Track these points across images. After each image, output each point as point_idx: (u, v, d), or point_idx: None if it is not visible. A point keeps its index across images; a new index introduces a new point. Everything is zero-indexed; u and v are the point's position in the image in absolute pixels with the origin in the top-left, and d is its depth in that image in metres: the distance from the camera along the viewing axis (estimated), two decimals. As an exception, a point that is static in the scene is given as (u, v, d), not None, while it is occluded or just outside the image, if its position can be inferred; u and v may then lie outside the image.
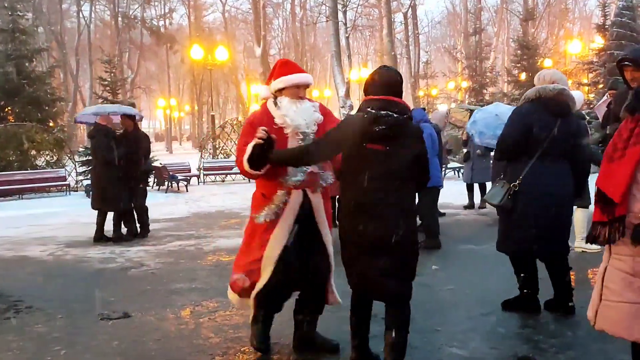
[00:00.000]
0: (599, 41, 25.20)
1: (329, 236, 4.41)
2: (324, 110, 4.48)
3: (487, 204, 5.31)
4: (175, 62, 58.10)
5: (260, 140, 3.98)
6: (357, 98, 34.03)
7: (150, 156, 21.75)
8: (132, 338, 4.99)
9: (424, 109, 10.74)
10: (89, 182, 16.14)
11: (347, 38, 29.48)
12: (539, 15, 42.80)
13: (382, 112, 3.73)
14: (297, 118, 4.24)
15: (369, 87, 3.90)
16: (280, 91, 4.35)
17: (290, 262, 4.25)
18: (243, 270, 4.41)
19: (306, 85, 4.42)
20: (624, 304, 3.15)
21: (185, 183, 20.36)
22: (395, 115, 3.73)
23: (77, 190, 19.05)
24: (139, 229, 10.28)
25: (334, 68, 26.37)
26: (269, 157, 4.04)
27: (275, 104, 4.33)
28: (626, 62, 3.34)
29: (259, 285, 4.29)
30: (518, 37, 32.54)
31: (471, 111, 12.20)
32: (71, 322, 5.51)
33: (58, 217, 13.43)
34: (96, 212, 10.06)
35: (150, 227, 10.56)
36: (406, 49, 41.68)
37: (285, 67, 4.41)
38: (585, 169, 5.21)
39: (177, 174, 20.47)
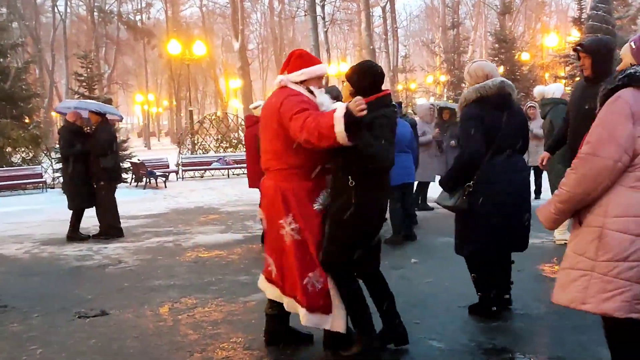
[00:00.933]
0: (575, 34, 25.40)
1: None
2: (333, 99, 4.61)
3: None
4: (152, 57, 57.65)
5: (362, 112, 3.78)
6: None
7: (128, 152, 21.47)
8: (109, 336, 4.94)
9: (401, 103, 10.71)
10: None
11: (326, 32, 29.47)
12: (516, 8, 43.02)
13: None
14: (330, 106, 4.17)
15: (377, 83, 4.08)
16: (301, 82, 4.29)
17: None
18: (310, 272, 4.12)
19: (323, 76, 4.49)
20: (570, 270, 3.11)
21: (164, 179, 20.25)
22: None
23: (53, 188, 18.84)
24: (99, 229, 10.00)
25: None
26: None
27: (310, 91, 4.27)
28: (578, 47, 3.41)
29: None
30: (495, 30, 32.69)
31: (449, 109, 12.16)
32: (47, 321, 5.45)
33: (34, 215, 13.28)
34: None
35: (129, 224, 10.48)
36: (385, 43, 41.71)
37: (303, 59, 4.36)
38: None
39: (155, 170, 20.35)
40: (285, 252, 4.18)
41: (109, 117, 10.28)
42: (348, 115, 3.76)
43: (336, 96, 5.84)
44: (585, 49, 5.39)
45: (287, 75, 4.28)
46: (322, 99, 4.22)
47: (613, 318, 2.96)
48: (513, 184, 4.76)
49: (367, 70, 4.12)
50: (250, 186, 8.82)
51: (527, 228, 4.89)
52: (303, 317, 4.12)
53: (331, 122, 3.78)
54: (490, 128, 4.69)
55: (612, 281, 2.92)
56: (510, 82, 4.89)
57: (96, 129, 9.85)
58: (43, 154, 20.19)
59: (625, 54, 3.19)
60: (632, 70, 3.02)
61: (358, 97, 3.84)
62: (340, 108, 3.82)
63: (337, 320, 4.12)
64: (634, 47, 3.13)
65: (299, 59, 4.33)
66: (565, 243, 7.69)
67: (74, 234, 9.80)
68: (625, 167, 2.95)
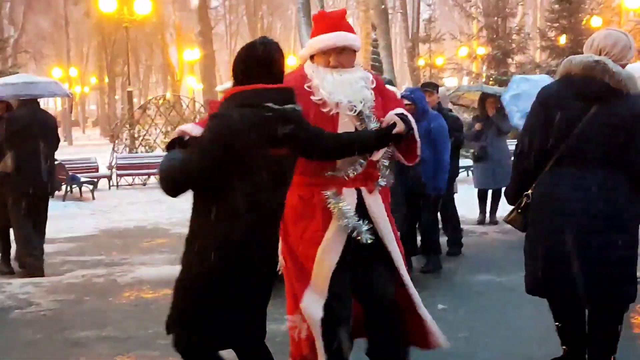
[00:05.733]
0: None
1: (399, 252, 4.53)
2: (380, 88, 4.55)
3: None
4: (76, 17, 57.51)
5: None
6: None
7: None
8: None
9: (391, 81, 10.87)
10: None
11: (320, -15, 29.50)
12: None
13: (288, 106, 3.87)
14: (336, 93, 4.27)
15: (253, 70, 3.97)
16: (311, 59, 4.43)
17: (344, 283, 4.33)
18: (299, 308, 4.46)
19: (344, 49, 4.44)
20: None
21: (91, 187, 20.18)
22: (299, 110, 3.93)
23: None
24: None
25: (301, 27, 26.33)
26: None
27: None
28: None
29: (316, 312, 4.32)
30: (555, -14, 32.85)
31: (494, 97, 12.27)
32: None
33: None
34: None
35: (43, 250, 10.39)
36: (401, 2, 41.88)
37: (316, 24, 4.48)
38: None
39: (79, 175, 20.27)
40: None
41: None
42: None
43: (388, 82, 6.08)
44: None
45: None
46: (321, 82, 4.25)
47: None
48: (582, 205, 4.67)
49: (241, 52, 4.11)
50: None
51: (590, 266, 4.70)
52: None
53: None
54: (558, 120, 4.69)
55: None
56: (615, 67, 4.72)
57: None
58: None
59: None
60: None
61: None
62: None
63: None
64: None
65: (315, 24, 4.51)
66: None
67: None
68: None
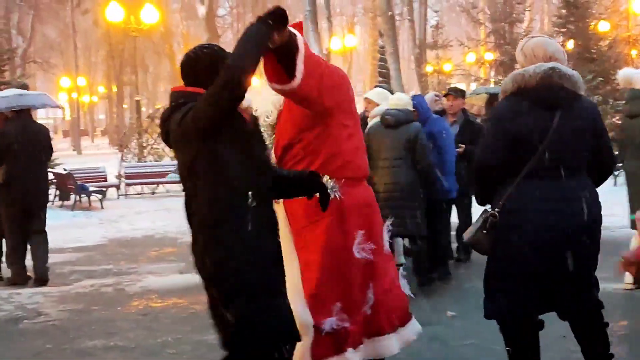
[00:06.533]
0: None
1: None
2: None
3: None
4: (84, 27, 57.71)
5: None
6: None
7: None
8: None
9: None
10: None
11: (327, -8, 29.55)
12: (591, -40, 43.28)
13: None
14: (254, 99, 4.34)
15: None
16: None
17: None
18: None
19: None
20: None
21: (100, 196, 20.21)
22: None
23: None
24: None
25: (308, 34, 26.41)
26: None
27: None
28: None
29: None
30: (562, -9, 32.82)
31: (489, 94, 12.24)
32: None
33: None
34: None
35: (51, 260, 10.41)
36: (408, 8, 41.86)
37: None
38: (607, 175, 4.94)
39: (87, 184, 20.31)
40: None
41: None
42: None
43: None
44: None
45: None
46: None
47: None
48: (554, 216, 4.53)
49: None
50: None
51: (577, 281, 4.66)
52: None
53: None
54: (523, 134, 4.57)
55: None
56: (568, 70, 4.72)
57: None
58: None
59: None
60: None
61: None
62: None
63: None
64: None
65: None
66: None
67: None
68: None
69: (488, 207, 4.80)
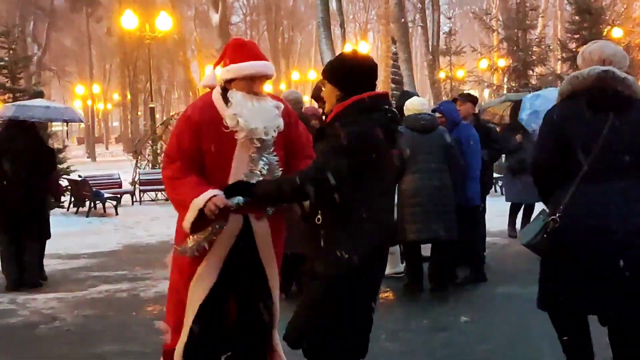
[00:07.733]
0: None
1: (277, 279, 4.63)
2: (287, 113, 4.59)
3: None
4: (99, 34, 57.96)
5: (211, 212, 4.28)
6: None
7: (65, 166, 21.55)
8: None
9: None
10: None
11: (340, 0, 29.57)
12: (604, -33, 43.17)
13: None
14: (253, 120, 4.34)
15: (367, 79, 4.13)
16: (229, 82, 4.46)
17: (217, 312, 4.50)
18: (172, 323, 4.79)
19: (264, 77, 4.56)
20: None
21: (115, 203, 20.26)
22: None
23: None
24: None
25: (321, 41, 26.42)
26: (254, 195, 4.21)
27: (226, 98, 4.40)
28: None
29: (179, 347, 4.43)
30: (575, -3, 32.75)
31: (512, 102, 12.21)
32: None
33: None
34: None
35: (66, 265, 10.50)
36: (421, 15, 41.87)
37: (239, 50, 4.50)
38: None
39: (102, 191, 20.37)
40: None
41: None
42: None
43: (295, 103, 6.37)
44: None
45: (216, 70, 4.57)
46: (241, 110, 4.33)
47: None
48: (607, 219, 4.53)
49: (354, 63, 4.15)
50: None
51: (629, 286, 4.58)
52: None
53: (186, 203, 4.44)
54: (576, 137, 4.61)
55: None
56: (622, 74, 4.71)
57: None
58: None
59: None
60: None
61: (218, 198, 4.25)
62: (207, 193, 4.29)
63: None
64: None
65: (235, 50, 4.54)
66: None
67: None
68: None
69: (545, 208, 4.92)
